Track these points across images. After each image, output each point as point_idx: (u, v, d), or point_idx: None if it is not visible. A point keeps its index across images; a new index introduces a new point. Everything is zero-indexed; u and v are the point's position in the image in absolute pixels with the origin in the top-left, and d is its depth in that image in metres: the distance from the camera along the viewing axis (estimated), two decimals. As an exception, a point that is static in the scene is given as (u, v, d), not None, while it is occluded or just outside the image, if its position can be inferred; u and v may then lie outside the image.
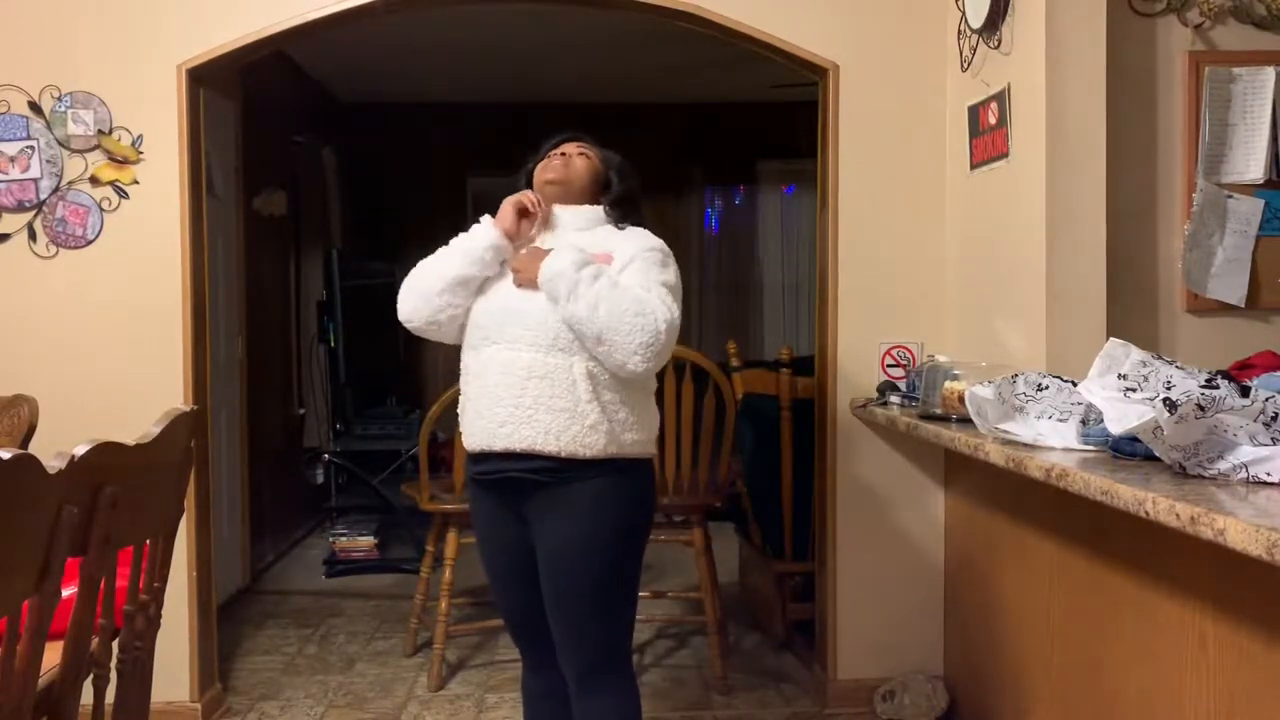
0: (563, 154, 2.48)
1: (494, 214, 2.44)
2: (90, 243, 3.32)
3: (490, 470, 2.33)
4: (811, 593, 3.75)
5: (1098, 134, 2.83)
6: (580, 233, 2.41)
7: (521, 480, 2.29)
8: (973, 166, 3.26)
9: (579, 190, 2.46)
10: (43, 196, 3.31)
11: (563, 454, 2.23)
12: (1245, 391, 1.84)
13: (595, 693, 2.35)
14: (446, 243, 2.45)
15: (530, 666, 2.53)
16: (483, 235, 2.38)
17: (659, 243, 2.39)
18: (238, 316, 4.85)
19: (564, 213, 2.45)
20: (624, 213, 2.46)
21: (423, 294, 2.39)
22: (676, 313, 2.27)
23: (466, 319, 2.39)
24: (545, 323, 2.25)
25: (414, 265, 2.45)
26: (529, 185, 2.51)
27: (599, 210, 2.46)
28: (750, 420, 4.07)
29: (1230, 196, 2.96)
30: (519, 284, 2.31)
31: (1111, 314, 2.84)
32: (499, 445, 2.27)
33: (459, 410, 2.42)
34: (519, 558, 2.38)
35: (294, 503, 5.97)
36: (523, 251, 2.36)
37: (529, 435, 2.23)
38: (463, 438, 2.38)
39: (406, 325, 2.44)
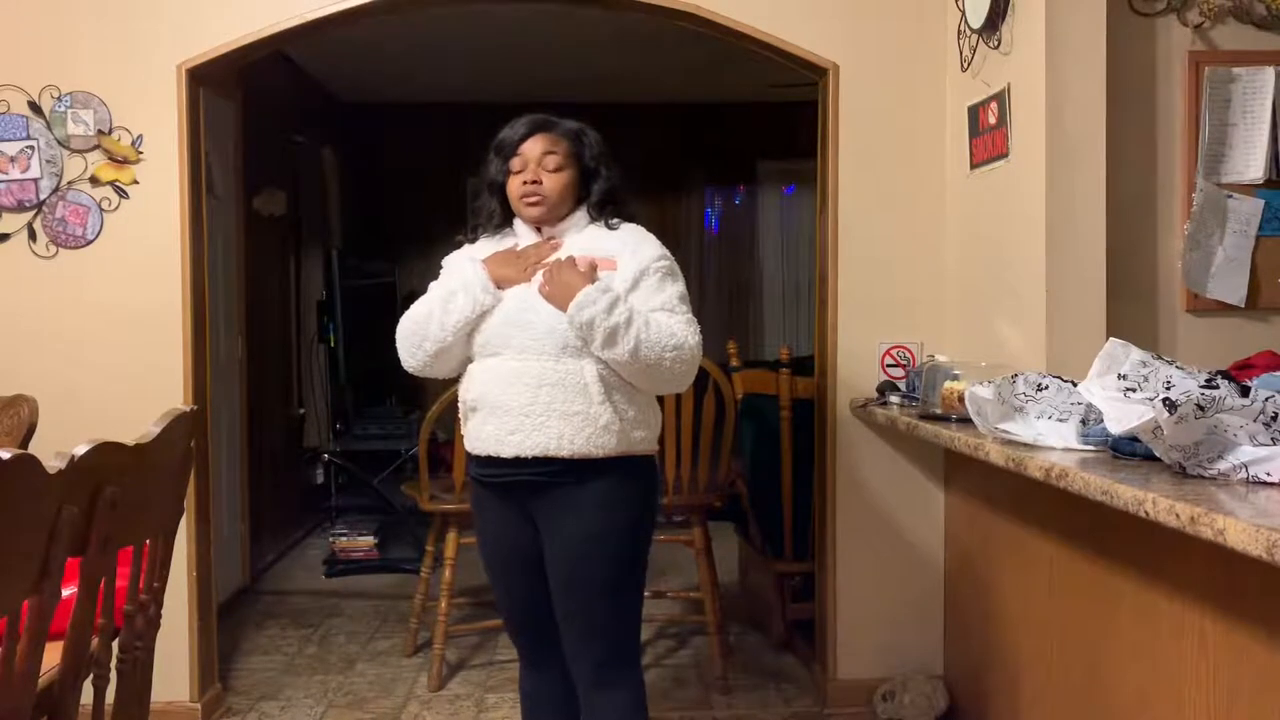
0: (534, 180, 2.34)
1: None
2: (90, 243, 3.32)
3: (498, 474, 2.32)
4: (811, 593, 3.74)
5: (1098, 134, 2.83)
6: (573, 237, 2.37)
7: (532, 483, 2.28)
8: (973, 166, 3.26)
9: (559, 204, 2.37)
10: (43, 196, 3.31)
11: (575, 456, 2.23)
12: (1245, 391, 1.83)
13: (607, 688, 2.35)
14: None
15: (529, 664, 2.52)
16: (480, 302, 2.29)
17: (659, 249, 2.35)
18: (238, 316, 4.84)
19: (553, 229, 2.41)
20: (612, 210, 2.40)
21: (423, 351, 2.35)
22: (698, 327, 2.29)
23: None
24: (553, 331, 2.23)
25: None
26: (498, 195, 2.42)
27: (585, 211, 2.40)
28: (750, 420, 4.07)
29: (1230, 196, 2.96)
30: (545, 298, 2.25)
31: (1111, 314, 2.84)
32: (508, 452, 2.25)
33: (460, 415, 2.40)
34: (524, 555, 2.37)
35: (294, 503, 5.97)
36: (548, 260, 2.31)
37: (541, 441, 2.23)
38: (466, 441, 2.37)
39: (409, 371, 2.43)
